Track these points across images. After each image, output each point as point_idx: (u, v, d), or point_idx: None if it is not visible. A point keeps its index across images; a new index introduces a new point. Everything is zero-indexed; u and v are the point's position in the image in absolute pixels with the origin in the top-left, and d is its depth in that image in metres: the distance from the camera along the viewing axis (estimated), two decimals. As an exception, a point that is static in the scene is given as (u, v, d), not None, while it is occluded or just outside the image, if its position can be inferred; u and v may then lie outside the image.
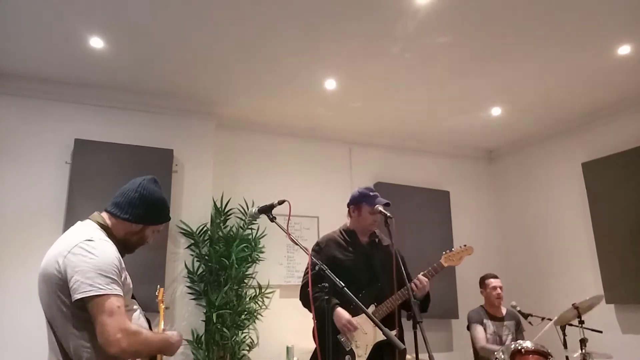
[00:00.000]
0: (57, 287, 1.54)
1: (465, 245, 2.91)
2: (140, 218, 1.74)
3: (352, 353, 2.56)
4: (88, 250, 1.55)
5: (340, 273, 2.34)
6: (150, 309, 2.21)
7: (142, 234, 1.78)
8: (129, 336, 1.48)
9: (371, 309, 2.64)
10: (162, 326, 2.31)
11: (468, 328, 4.03)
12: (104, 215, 1.74)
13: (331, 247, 2.79)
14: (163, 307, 2.82)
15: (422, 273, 2.72)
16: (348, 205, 2.88)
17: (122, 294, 1.55)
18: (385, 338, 1.87)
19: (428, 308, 2.77)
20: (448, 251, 2.88)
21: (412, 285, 2.65)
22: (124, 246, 1.76)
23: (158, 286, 2.83)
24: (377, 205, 2.65)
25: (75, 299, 1.49)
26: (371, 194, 2.76)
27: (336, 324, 2.58)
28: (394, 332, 2.62)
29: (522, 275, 5.55)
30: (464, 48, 3.74)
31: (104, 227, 1.69)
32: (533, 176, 5.63)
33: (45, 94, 4.15)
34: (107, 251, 1.59)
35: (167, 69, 4.01)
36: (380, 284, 2.69)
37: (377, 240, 2.86)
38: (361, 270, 2.71)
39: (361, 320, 2.60)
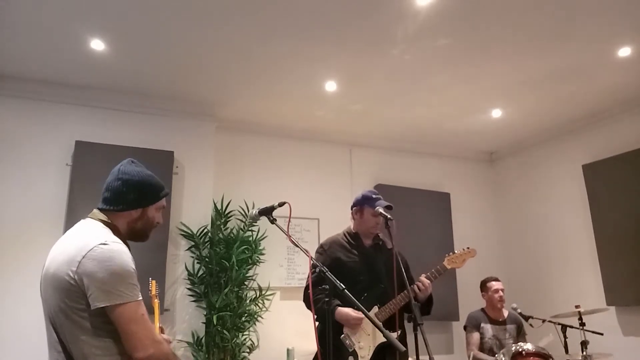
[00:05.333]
0: (69, 293, 1.49)
1: (468, 248, 2.91)
2: (134, 202, 1.68)
3: (354, 354, 2.56)
4: (105, 256, 1.49)
5: (344, 275, 2.35)
6: (149, 308, 2.19)
7: (145, 217, 1.72)
8: (155, 343, 1.49)
9: (374, 310, 2.65)
10: (158, 323, 2.25)
11: (465, 329, 4.04)
12: (102, 213, 1.69)
13: (335, 249, 2.80)
14: (158, 302, 2.74)
15: (424, 275, 2.72)
16: (351, 208, 2.90)
17: (141, 298, 1.53)
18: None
19: (431, 311, 2.77)
20: (451, 253, 2.88)
21: (415, 287, 2.66)
22: (134, 236, 1.71)
23: (150, 279, 2.71)
24: (377, 208, 2.66)
25: (97, 307, 1.46)
26: (374, 196, 2.78)
27: (343, 322, 2.60)
28: (396, 335, 2.63)
29: (523, 277, 5.54)
30: (464, 50, 3.74)
31: (108, 224, 1.65)
32: (534, 178, 5.63)
33: (46, 96, 4.15)
34: (124, 255, 1.54)
35: (168, 71, 4.01)
36: (383, 285, 2.69)
37: (380, 243, 2.87)
38: (364, 272, 2.72)
39: (364, 322, 2.61)
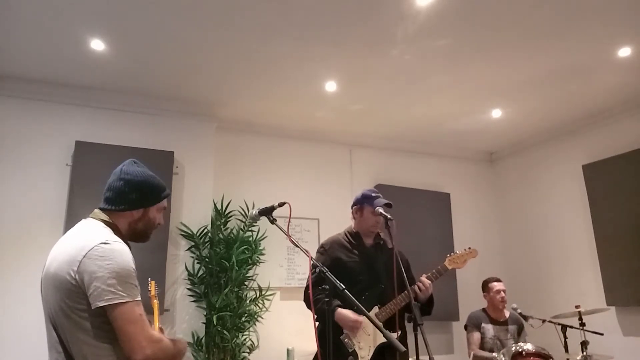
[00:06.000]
0: (69, 293, 1.49)
1: (469, 248, 2.89)
2: (136, 203, 1.68)
3: (354, 354, 2.56)
4: (105, 255, 1.49)
5: (344, 274, 2.35)
6: (149, 308, 2.19)
7: (146, 217, 1.71)
8: (152, 343, 1.48)
9: (374, 310, 2.64)
10: (157, 324, 2.23)
11: (465, 329, 4.04)
12: (103, 213, 1.69)
13: (335, 248, 2.80)
14: (157, 302, 2.72)
15: (425, 275, 2.72)
16: (351, 207, 2.90)
17: (140, 298, 1.53)
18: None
19: (432, 311, 2.77)
20: (452, 253, 2.87)
21: (415, 287, 2.65)
22: (135, 236, 1.71)
23: (149, 279, 2.70)
24: (377, 208, 2.66)
25: (97, 306, 1.45)
26: (373, 195, 2.79)
27: (342, 325, 2.59)
28: (396, 335, 2.62)
29: (523, 278, 5.54)
30: (464, 50, 3.74)
31: (109, 224, 1.64)
32: (534, 178, 5.63)
33: (46, 96, 4.15)
34: (124, 255, 1.54)
35: (168, 71, 4.01)
36: (383, 286, 2.69)
37: (381, 242, 2.87)
38: (365, 272, 2.72)
39: (364, 322, 2.60)
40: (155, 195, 1.73)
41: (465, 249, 2.89)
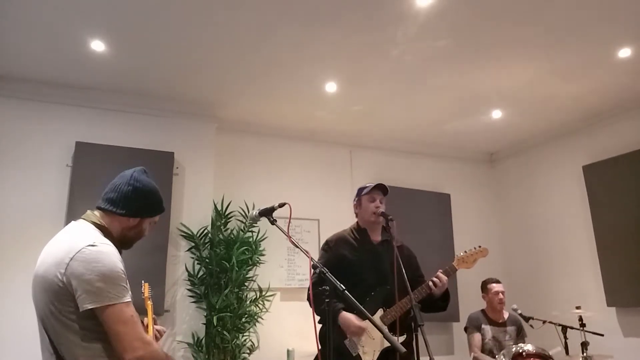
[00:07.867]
0: (57, 295, 1.49)
1: (480, 247, 2.76)
2: (136, 211, 1.69)
3: (358, 358, 2.52)
4: (93, 257, 1.49)
5: (349, 273, 2.33)
6: (142, 311, 2.17)
7: (139, 227, 1.72)
8: (145, 345, 1.48)
9: (379, 313, 2.60)
10: (151, 327, 2.22)
11: (465, 330, 4.03)
12: (97, 213, 1.68)
13: (341, 246, 2.77)
14: (151, 304, 2.73)
15: (441, 270, 2.65)
16: (353, 204, 2.93)
17: (131, 299, 1.53)
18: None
19: (447, 306, 2.73)
20: (461, 253, 2.75)
21: (431, 283, 2.60)
22: (122, 242, 1.70)
23: (142, 281, 2.71)
24: (375, 206, 2.71)
25: (85, 308, 1.45)
26: (367, 184, 2.85)
27: (345, 329, 2.54)
28: (402, 339, 2.57)
29: (523, 278, 5.54)
30: (465, 51, 3.74)
31: (99, 226, 1.64)
32: (534, 179, 5.62)
33: (47, 97, 4.15)
34: (112, 257, 1.53)
35: (168, 72, 4.01)
36: (389, 286, 2.62)
37: (388, 239, 2.80)
38: (370, 270, 2.67)
39: (369, 325, 2.53)
40: (155, 209, 1.76)
41: (475, 248, 2.75)
